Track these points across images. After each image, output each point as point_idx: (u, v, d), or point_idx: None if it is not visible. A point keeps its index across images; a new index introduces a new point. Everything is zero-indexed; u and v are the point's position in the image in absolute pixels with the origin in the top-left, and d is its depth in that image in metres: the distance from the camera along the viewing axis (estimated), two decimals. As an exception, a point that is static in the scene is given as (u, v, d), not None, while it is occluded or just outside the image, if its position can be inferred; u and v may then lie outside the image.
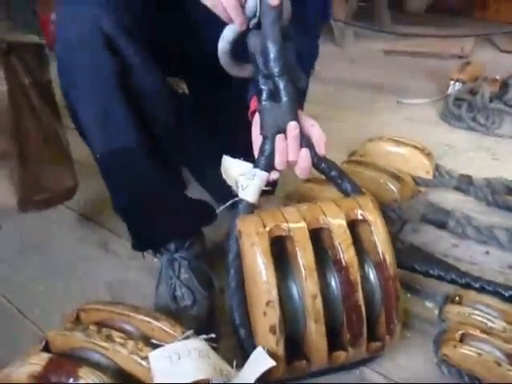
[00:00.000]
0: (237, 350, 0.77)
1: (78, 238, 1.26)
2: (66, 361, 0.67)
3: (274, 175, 0.77)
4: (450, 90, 1.96)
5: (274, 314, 0.68)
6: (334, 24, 2.98)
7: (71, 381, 0.63)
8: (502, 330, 0.77)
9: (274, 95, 0.74)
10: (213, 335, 0.70)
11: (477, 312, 0.80)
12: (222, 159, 0.81)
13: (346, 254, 0.71)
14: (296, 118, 0.74)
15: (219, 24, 0.74)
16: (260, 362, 0.68)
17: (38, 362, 0.66)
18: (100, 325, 0.72)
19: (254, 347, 0.71)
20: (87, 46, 0.74)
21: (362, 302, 0.71)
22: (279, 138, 0.73)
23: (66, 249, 1.22)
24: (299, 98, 0.82)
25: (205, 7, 0.73)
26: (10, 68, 0.97)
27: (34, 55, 1.03)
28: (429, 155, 1.31)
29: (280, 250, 0.74)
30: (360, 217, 0.74)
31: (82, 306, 0.79)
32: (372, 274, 0.75)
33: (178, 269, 0.93)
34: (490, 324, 0.78)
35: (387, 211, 1.10)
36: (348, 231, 0.72)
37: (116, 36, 0.74)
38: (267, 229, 0.70)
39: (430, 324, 0.89)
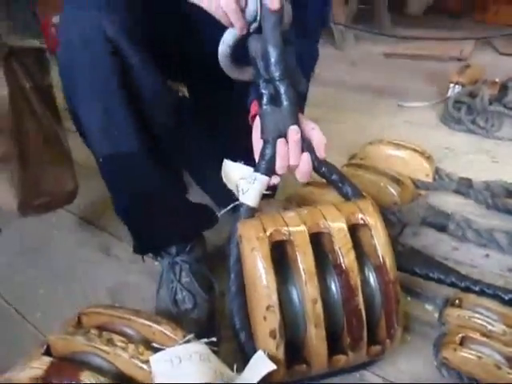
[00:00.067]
0: (237, 354, 0.77)
1: (78, 241, 1.26)
2: (68, 365, 0.68)
3: (275, 180, 0.77)
4: (449, 93, 1.96)
5: (274, 318, 0.69)
6: (334, 27, 2.99)
7: (72, 384, 0.63)
8: (502, 333, 0.77)
9: (275, 99, 0.74)
10: (213, 339, 0.70)
11: (477, 315, 0.80)
12: (223, 163, 0.81)
13: (347, 258, 0.71)
14: (297, 122, 0.74)
15: (219, 27, 0.75)
16: (260, 365, 0.69)
17: (39, 365, 0.67)
18: (101, 328, 0.72)
19: (255, 351, 0.71)
20: (89, 47, 0.74)
21: (362, 306, 0.71)
22: (280, 142, 0.74)
23: (66, 252, 1.22)
24: (300, 101, 0.82)
25: (205, 10, 0.73)
26: (10, 72, 0.98)
27: (35, 59, 1.03)
28: (429, 158, 1.31)
29: (281, 253, 0.75)
30: (360, 221, 0.74)
31: (83, 309, 0.79)
32: (372, 278, 0.75)
33: (179, 272, 0.93)
34: (489, 327, 0.79)
35: (387, 214, 1.11)
36: (348, 235, 0.72)
37: (117, 38, 0.75)
38: (267, 233, 0.70)
39: (430, 327, 0.89)
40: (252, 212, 0.76)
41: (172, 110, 0.88)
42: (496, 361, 0.74)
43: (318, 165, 0.77)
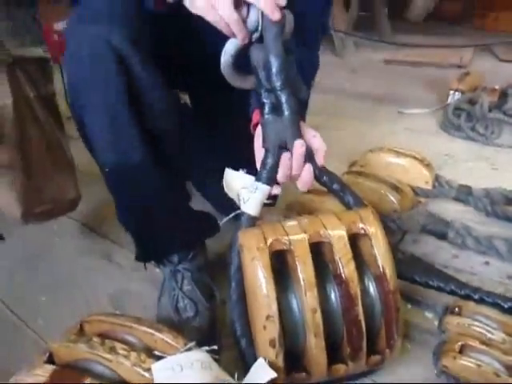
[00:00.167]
0: (238, 362, 0.78)
1: (80, 248, 1.27)
2: (70, 372, 0.68)
3: (276, 190, 0.77)
4: (449, 100, 1.98)
5: (273, 328, 0.69)
6: (334, 34, 3.00)
7: (75, 392, 0.64)
8: (502, 341, 0.78)
9: (277, 109, 0.75)
10: (215, 347, 0.71)
11: (476, 323, 0.81)
12: (225, 172, 0.81)
13: (346, 268, 0.71)
14: (298, 132, 0.75)
15: (221, 36, 0.75)
16: (261, 373, 0.69)
17: (42, 373, 0.67)
18: (103, 336, 0.73)
19: (255, 358, 0.72)
20: (97, 60, 0.75)
21: (361, 317, 0.71)
22: (285, 156, 0.74)
23: (68, 259, 1.23)
24: (301, 109, 0.82)
25: (208, 21, 0.74)
26: (14, 81, 0.99)
27: (39, 68, 1.04)
28: (428, 166, 1.32)
29: (282, 261, 0.75)
30: (361, 230, 0.74)
31: (85, 317, 0.80)
32: (372, 288, 0.75)
33: (181, 280, 0.94)
34: (489, 335, 0.79)
35: (387, 222, 1.11)
36: (348, 245, 0.72)
37: (125, 51, 0.75)
38: (268, 243, 0.71)
39: (430, 335, 0.90)
40: (253, 221, 0.76)
41: (177, 120, 0.88)
42: (495, 369, 0.74)
43: (320, 174, 0.78)
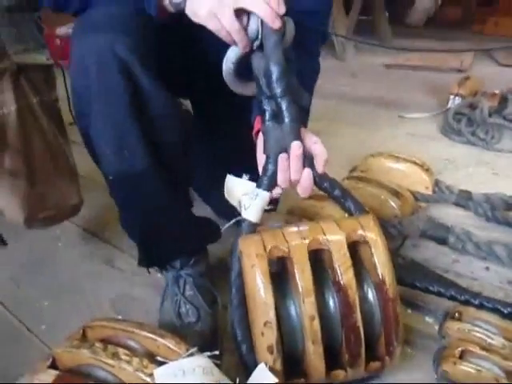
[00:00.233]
0: (239, 367, 0.78)
1: (82, 253, 1.27)
2: (73, 377, 0.69)
3: (277, 190, 0.77)
4: (449, 105, 1.99)
5: (271, 334, 0.70)
6: (335, 38, 3.02)
7: (78, 398, 0.65)
8: (502, 346, 0.78)
9: (277, 116, 0.75)
10: (216, 352, 0.71)
11: (476, 328, 0.81)
12: (226, 178, 0.81)
13: (345, 275, 0.71)
14: (298, 139, 0.75)
15: (223, 43, 0.76)
16: (262, 378, 0.69)
17: (45, 378, 0.68)
18: (106, 342, 0.73)
19: (256, 363, 0.72)
20: (102, 71, 0.75)
21: (360, 324, 0.71)
22: (282, 157, 0.74)
23: (70, 264, 1.23)
24: (302, 115, 0.83)
25: (209, 29, 0.75)
26: (18, 88, 1.00)
27: (42, 75, 1.05)
28: (428, 171, 1.33)
29: (282, 266, 0.76)
30: (361, 238, 0.74)
31: (88, 322, 0.80)
32: (371, 295, 0.75)
33: (183, 286, 0.94)
34: (489, 341, 0.79)
35: (388, 227, 1.12)
36: (348, 253, 0.72)
37: (130, 61, 0.75)
38: (267, 250, 0.71)
39: (430, 340, 0.90)
40: (254, 227, 0.77)
41: (181, 129, 0.89)
42: (495, 374, 0.75)
43: (320, 180, 0.78)
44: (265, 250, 0.72)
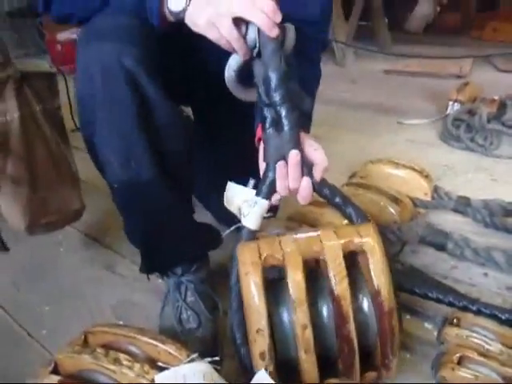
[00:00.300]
0: (239, 371, 0.79)
1: (83, 259, 1.28)
2: (75, 383, 0.69)
3: (277, 197, 0.77)
4: (448, 111, 2.00)
5: (263, 341, 0.71)
6: (335, 44, 3.04)
7: (80, 403, 0.65)
8: (499, 352, 0.79)
9: (277, 123, 0.75)
10: (217, 358, 0.72)
11: (474, 334, 0.82)
12: (227, 185, 0.82)
13: (339, 286, 0.71)
14: (298, 147, 0.75)
15: (224, 52, 0.77)
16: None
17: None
18: (107, 347, 0.74)
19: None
20: (108, 80, 0.76)
21: (353, 335, 0.71)
22: (280, 164, 0.75)
23: (72, 270, 1.24)
24: (304, 121, 0.84)
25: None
26: (22, 96, 1.01)
27: (45, 83, 1.06)
28: (427, 177, 1.34)
29: (281, 273, 0.76)
30: (358, 248, 0.74)
31: (89, 328, 0.81)
32: (366, 306, 0.75)
33: (185, 292, 0.95)
34: (487, 347, 0.80)
35: (387, 233, 1.13)
36: (343, 263, 0.72)
37: (137, 72, 0.76)
38: (262, 258, 0.72)
39: (429, 346, 0.90)
40: (253, 234, 0.77)
41: (185, 137, 0.89)
42: (493, 380, 0.75)
43: (320, 187, 0.78)
44: (260, 257, 0.72)
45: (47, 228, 1.14)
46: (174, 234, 0.94)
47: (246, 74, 0.79)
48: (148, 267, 0.98)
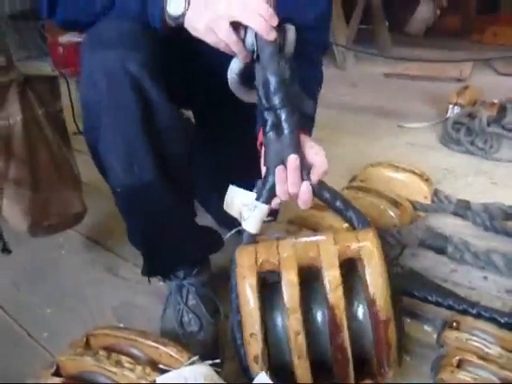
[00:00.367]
0: (239, 373, 0.79)
1: (85, 261, 1.29)
2: (77, 385, 0.70)
3: (276, 201, 0.77)
4: (448, 114, 2.00)
5: (256, 345, 0.71)
6: (335, 48, 3.05)
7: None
8: (498, 355, 0.79)
9: (277, 127, 0.75)
10: (218, 360, 0.73)
11: (474, 338, 0.82)
12: (229, 188, 0.81)
13: (333, 294, 0.70)
14: (298, 151, 0.75)
15: (225, 55, 0.77)
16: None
17: (50, 385, 0.69)
18: (109, 350, 0.75)
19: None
20: (113, 86, 0.76)
21: (347, 343, 0.70)
22: (279, 169, 0.74)
23: (73, 272, 1.24)
24: (307, 123, 0.84)
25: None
26: (24, 99, 1.02)
27: (47, 86, 1.07)
28: (427, 181, 1.35)
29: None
30: (356, 255, 0.73)
31: (91, 330, 0.82)
32: (362, 314, 0.74)
33: (186, 295, 0.96)
34: (486, 350, 0.80)
35: (387, 236, 1.13)
36: (338, 271, 0.71)
37: (141, 76, 0.77)
38: (258, 263, 0.72)
39: (429, 348, 0.90)
40: (253, 238, 0.78)
41: (187, 142, 0.90)
42: (492, 383, 0.76)
43: (320, 191, 0.78)
44: (256, 262, 0.72)
45: (49, 230, 1.15)
46: (176, 237, 0.94)
47: (248, 76, 0.79)
48: (150, 270, 0.99)
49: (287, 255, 0.72)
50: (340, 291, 0.70)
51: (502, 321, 0.84)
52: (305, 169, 0.76)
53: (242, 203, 0.78)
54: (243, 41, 0.74)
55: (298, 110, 0.76)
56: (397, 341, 0.72)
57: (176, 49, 0.91)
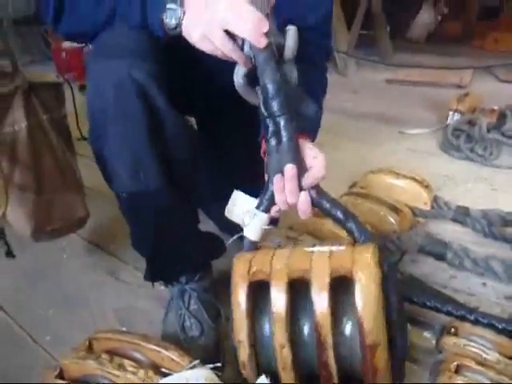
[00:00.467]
0: (239, 376, 0.79)
1: (86, 265, 1.30)
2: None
3: (276, 208, 0.77)
4: (448, 121, 2.01)
5: (243, 352, 0.72)
6: (336, 54, 3.06)
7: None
8: (496, 361, 0.80)
9: (277, 135, 0.74)
10: (218, 364, 0.74)
11: (472, 343, 0.83)
12: (233, 193, 0.81)
13: (320, 312, 0.68)
14: (296, 159, 0.74)
15: (225, 63, 0.76)
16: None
17: (53, 388, 0.70)
18: (112, 353, 0.76)
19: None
20: (120, 95, 0.76)
21: (332, 361, 0.69)
22: (277, 178, 0.74)
23: (75, 276, 1.25)
24: (308, 125, 0.83)
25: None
26: (29, 106, 1.03)
27: (52, 93, 1.09)
28: (427, 187, 1.36)
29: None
30: (348, 274, 0.69)
31: (94, 334, 0.83)
32: (349, 332, 0.72)
33: (188, 300, 0.97)
34: (484, 355, 0.81)
35: (387, 242, 1.14)
36: (327, 289, 0.68)
37: (148, 84, 0.77)
38: (251, 272, 0.72)
39: (428, 354, 0.91)
40: (253, 245, 0.78)
41: (190, 146, 0.90)
42: (490, 388, 0.76)
43: (319, 201, 0.76)
44: (248, 271, 0.72)
45: (52, 235, 1.16)
46: (179, 243, 0.95)
47: (255, 78, 0.78)
48: (153, 275, 1.00)
49: (280, 266, 0.72)
50: (327, 309, 0.68)
51: (500, 327, 0.85)
52: (303, 177, 0.75)
53: (243, 209, 0.78)
54: (242, 47, 0.73)
55: (299, 111, 0.76)
56: (390, 365, 0.70)
57: (177, 56, 0.92)
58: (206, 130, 1.23)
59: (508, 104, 1.95)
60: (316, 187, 0.77)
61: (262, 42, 0.69)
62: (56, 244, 1.32)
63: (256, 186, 0.80)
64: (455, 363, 0.80)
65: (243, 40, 0.72)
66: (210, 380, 0.70)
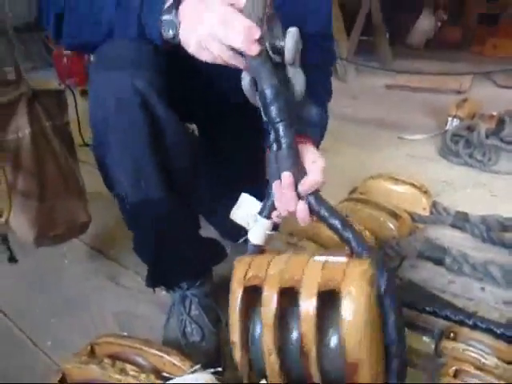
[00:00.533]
0: (240, 380, 0.81)
1: (88, 270, 1.31)
2: (82, 392, 0.72)
3: (276, 213, 0.77)
4: (447, 126, 2.02)
5: (236, 353, 0.73)
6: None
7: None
8: (495, 366, 0.80)
9: (278, 141, 0.74)
10: (219, 369, 0.74)
11: (471, 348, 0.83)
12: (241, 196, 0.81)
13: (305, 323, 0.67)
14: (294, 167, 0.74)
15: (225, 70, 0.76)
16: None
17: (55, 393, 0.71)
18: (114, 358, 0.76)
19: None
20: (122, 104, 0.77)
21: (315, 371, 0.68)
22: (276, 184, 0.75)
23: (76, 281, 1.26)
24: (307, 129, 0.83)
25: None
26: (33, 113, 1.04)
27: (55, 100, 1.10)
28: (426, 193, 1.36)
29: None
30: (337, 289, 0.67)
31: (95, 339, 0.83)
32: (334, 345, 0.69)
33: (189, 306, 0.98)
34: (483, 360, 0.81)
35: (386, 248, 1.15)
36: (314, 300, 0.67)
37: (149, 93, 0.78)
38: (247, 277, 0.72)
39: (427, 359, 0.91)
40: (256, 249, 0.79)
41: (191, 153, 0.91)
42: (488, 393, 0.77)
43: (317, 209, 0.75)
44: (245, 276, 0.73)
45: (54, 240, 1.17)
46: (181, 249, 0.96)
47: None
48: (154, 281, 1.00)
49: (273, 273, 0.71)
50: (312, 321, 0.67)
51: (498, 332, 0.85)
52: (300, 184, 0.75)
53: (248, 212, 0.79)
54: (242, 53, 0.72)
55: (300, 115, 0.76)
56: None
57: (177, 64, 0.92)
58: (207, 136, 1.24)
59: (507, 110, 1.96)
60: (315, 193, 0.76)
61: (254, 50, 0.68)
62: (58, 249, 1.32)
63: (258, 191, 0.80)
64: (454, 368, 0.80)
65: None
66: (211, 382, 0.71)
